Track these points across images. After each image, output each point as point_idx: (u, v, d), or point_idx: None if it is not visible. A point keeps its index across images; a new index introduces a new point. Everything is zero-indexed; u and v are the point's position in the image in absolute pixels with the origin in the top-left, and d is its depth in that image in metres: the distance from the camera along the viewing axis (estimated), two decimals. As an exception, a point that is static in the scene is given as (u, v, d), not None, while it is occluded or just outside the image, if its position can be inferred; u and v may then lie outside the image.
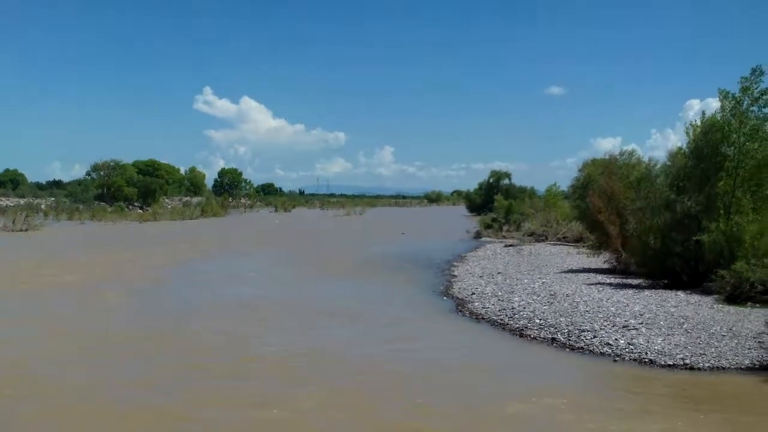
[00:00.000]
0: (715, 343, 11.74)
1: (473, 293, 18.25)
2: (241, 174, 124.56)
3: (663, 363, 10.93)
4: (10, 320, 14.98)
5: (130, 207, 74.21)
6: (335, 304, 17.96)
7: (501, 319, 14.71)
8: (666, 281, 18.20)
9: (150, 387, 10.00)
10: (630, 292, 17.21)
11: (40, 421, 8.64)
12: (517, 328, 13.85)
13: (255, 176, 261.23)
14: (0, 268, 24.12)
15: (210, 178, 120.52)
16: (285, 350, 12.55)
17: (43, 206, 70.36)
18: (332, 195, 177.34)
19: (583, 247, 27.40)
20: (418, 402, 9.42)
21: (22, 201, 74.49)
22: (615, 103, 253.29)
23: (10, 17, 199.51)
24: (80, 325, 14.66)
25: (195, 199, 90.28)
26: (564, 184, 40.78)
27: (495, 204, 52.28)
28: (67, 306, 17.10)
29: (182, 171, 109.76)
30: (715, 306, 15.00)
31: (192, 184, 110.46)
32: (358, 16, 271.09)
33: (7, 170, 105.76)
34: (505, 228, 43.78)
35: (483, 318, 15.14)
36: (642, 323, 13.30)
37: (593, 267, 22.85)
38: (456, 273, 23.02)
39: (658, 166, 21.80)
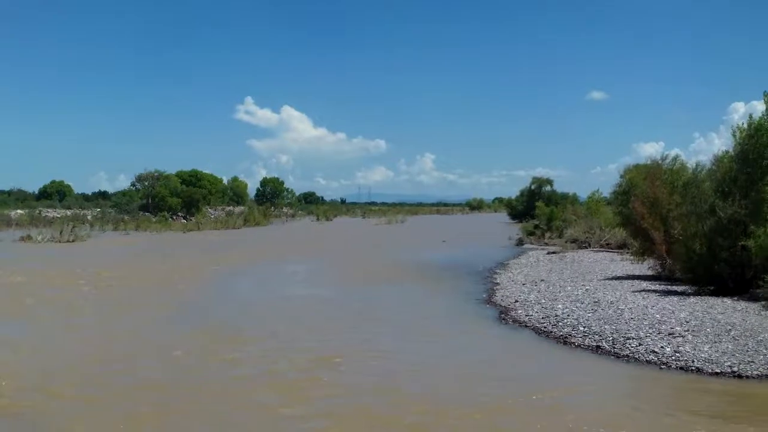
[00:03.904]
0: (764, 351, 11.58)
1: (516, 301, 18.22)
2: (282, 183, 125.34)
3: (710, 371, 10.81)
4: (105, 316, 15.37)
5: (174, 217, 75.14)
6: (377, 309, 18.21)
7: (545, 327, 14.67)
8: (712, 287, 17.96)
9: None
10: (675, 298, 17.04)
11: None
12: (561, 335, 13.81)
13: (296, 185, 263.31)
14: (75, 275, 24.70)
15: (252, 187, 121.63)
16: (325, 349, 12.81)
17: (89, 217, 71.59)
18: (374, 203, 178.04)
19: (627, 253, 27.17)
20: (445, 394, 9.49)
21: (68, 212, 75.88)
22: (657, 107, 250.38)
23: (49, 32, 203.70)
24: (159, 318, 15.03)
25: (238, 209, 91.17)
26: (606, 190, 40.43)
27: (536, 211, 52.07)
28: (149, 302, 17.82)
29: (225, 181, 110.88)
30: (762, 312, 14.78)
31: (234, 193, 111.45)
32: (397, 21, 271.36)
33: (53, 182, 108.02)
34: (547, 235, 43.54)
35: (526, 325, 15.11)
36: (688, 330, 13.17)
37: (637, 273, 22.65)
38: (498, 280, 22.98)
39: (704, 171, 21.51)
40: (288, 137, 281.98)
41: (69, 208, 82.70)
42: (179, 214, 77.38)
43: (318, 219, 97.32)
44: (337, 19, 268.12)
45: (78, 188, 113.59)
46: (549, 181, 76.94)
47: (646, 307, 15.74)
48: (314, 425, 8.91)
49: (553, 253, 33.23)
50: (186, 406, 9.64)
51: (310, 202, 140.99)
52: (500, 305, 17.93)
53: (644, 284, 20.10)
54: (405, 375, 11.38)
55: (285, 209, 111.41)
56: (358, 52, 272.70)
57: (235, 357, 12.71)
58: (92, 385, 10.75)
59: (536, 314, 16.05)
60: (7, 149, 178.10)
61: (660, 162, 23.95)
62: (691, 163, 23.37)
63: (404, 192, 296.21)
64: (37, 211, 73.14)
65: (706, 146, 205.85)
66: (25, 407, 9.56)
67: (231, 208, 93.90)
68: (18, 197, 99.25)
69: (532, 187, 77.74)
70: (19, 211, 73.43)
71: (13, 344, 13.73)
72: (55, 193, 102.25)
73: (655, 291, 18.55)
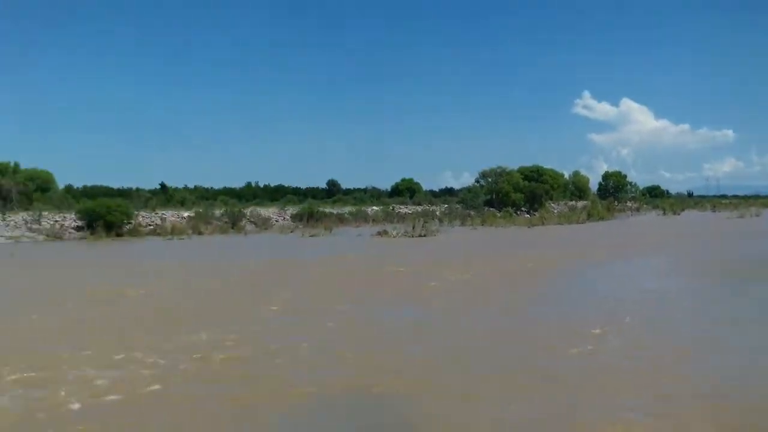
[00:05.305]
0: None
1: None
2: (625, 177, 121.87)
3: None
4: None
5: (518, 212, 76.58)
6: (737, 307, 16.96)
7: None
8: None
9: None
10: None
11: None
12: None
13: (638, 178, 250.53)
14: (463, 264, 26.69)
15: (594, 181, 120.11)
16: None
17: (437, 213, 75.61)
18: (723, 196, 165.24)
19: None
20: None
21: (418, 208, 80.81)
22: None
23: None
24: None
25: (580, 203, 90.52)
26: None
27: None
28: (504, 294, 18.64)
29: (566, 175, 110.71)
30: None
31: (576, 188, 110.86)
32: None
33: (403, 180, 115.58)
34: None
35: None
36: None
37: None
38: None
39: None
40: (628, 130, 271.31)
41: (419, 204, 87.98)
42: (523, 209, 78.70)
43: (664, 213, 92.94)
44: (673, 11, 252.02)
45: (426, 185, 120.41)
46: None
47: None
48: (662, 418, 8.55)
49: None
50: (532, 394, 9.79)
51: (654, 195, 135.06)
52: None
53: None
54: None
55: (629, 203, 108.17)
56: (696, 41, 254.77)
57: (587, 349, 12.60)
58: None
59: None
60: (362, 151, 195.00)
61: None
62: None
63: (758, 183, 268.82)
64: (391, 208, 78.85)
65: None
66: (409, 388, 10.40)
67: (573, 202, 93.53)
68: (373, 195, 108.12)
69: None
70: (374, 207, 79.86)
71: (421, 328, 15.08)
72: (406, 191, 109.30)
73: None
